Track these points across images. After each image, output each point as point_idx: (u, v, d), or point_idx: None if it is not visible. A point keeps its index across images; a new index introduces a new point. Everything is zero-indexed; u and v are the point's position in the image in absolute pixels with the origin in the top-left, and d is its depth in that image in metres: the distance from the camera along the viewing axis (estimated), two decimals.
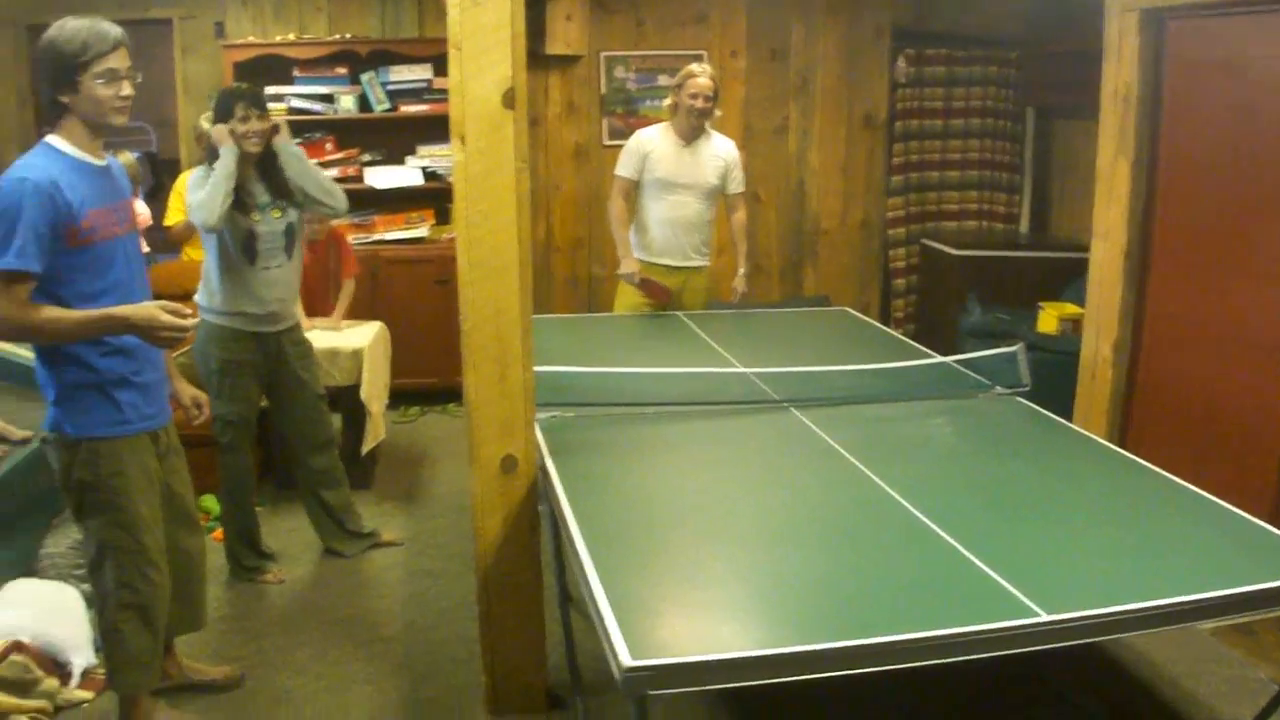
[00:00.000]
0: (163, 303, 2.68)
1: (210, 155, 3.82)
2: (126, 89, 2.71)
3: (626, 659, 1.87)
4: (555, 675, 3.21)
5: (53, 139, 2.73)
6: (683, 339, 4.30)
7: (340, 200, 3.99)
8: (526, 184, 2.80)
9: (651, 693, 1.88)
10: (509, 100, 2.73)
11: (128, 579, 2.90)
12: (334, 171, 5.91)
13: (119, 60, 2.67)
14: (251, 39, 6.08)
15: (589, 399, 3.34)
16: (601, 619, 2.03)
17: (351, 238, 5.71)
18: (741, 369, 3.76)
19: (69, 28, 2.63)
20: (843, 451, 2.98)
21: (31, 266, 2.58)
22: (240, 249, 3.80)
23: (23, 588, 3.62)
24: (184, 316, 2.66)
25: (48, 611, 3.50)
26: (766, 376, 3.63)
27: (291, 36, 6.10)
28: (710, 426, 3.27)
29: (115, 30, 2.67)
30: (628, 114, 6.39)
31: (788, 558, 2.36)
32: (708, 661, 1.90)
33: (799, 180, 6.73)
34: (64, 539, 3.85)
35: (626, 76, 6.42)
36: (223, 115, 3.76)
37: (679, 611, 2.14)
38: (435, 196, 6.19)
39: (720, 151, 4.70)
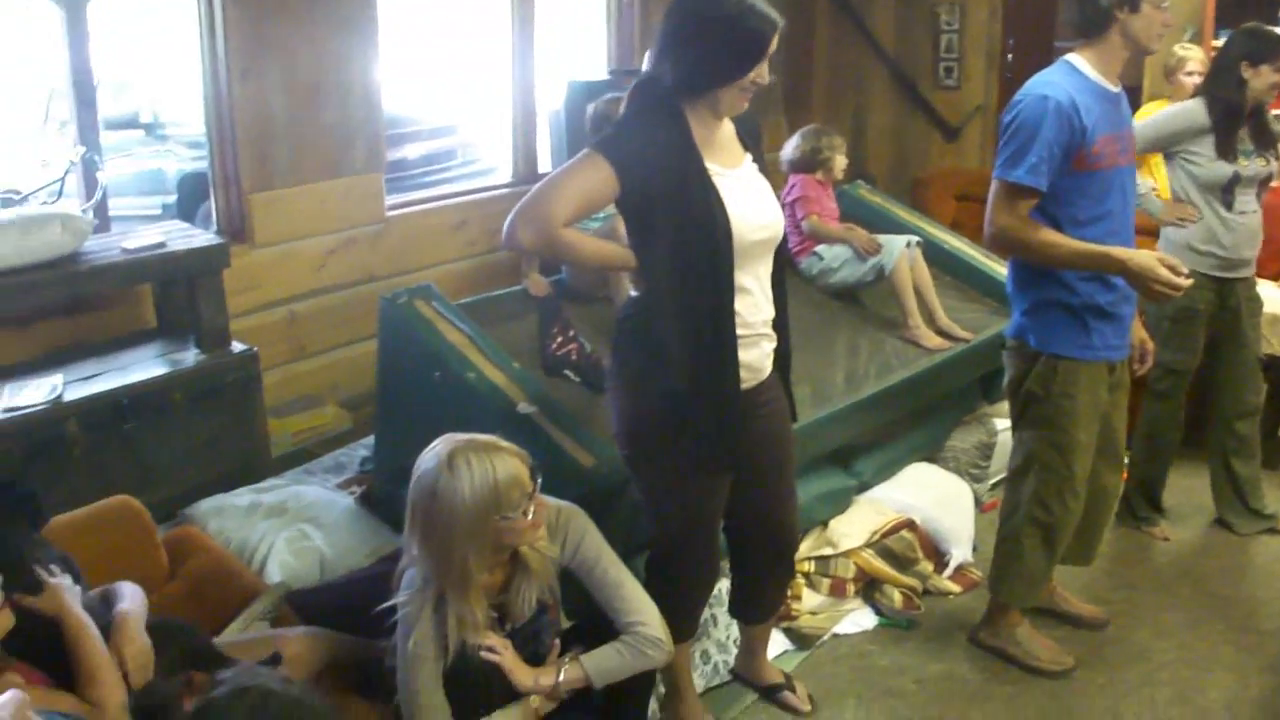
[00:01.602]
0: (1163, 256, 2.70)
1: (1210, 101, 3.72)
2: (1170, 18, 2.80)
3: None
4: None
5: (1073, 58, 2.86)
6: None
7: None
8: None
9: None
10: None
11: (1045, 497, 3.03)
12: None
13: None
14: None
15: None
16: None
17: None
18: None
19: None
20: None
21: (1040, 184, 2.74)
22: (1221, 191, 3.72)
23: (924, 472, 3.98)
24: (1180, 275, 2.65)
25: (941, 500, 3.82)
26: None
27: None
28: None
29: None
30: None
31: None
32: None
33: None
34: (970, 437, 4.18)
35: None
36: (1263, 58, 3.62)
37: None
38: None
39: None
